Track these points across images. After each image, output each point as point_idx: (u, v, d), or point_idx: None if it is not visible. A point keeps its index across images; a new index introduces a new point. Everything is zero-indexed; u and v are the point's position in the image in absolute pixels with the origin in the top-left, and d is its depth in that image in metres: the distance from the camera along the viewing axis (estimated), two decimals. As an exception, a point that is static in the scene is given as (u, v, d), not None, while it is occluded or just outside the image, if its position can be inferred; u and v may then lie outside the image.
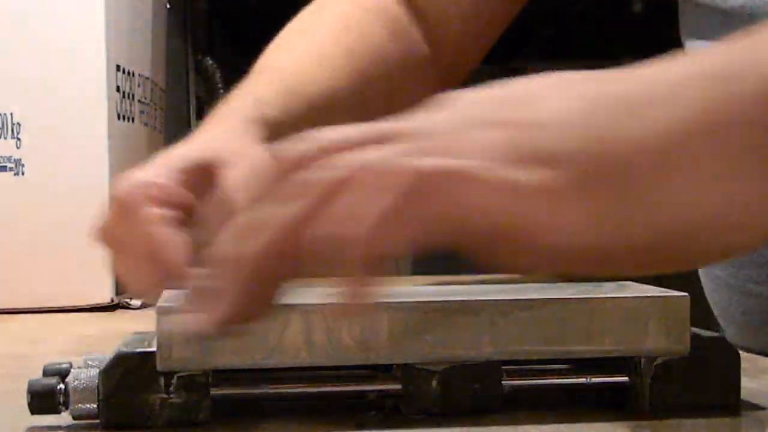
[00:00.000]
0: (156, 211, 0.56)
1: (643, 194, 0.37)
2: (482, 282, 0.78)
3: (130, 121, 1.03)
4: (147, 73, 1.09)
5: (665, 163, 0.37)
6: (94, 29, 0.97)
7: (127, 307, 0.96)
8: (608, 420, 0.46)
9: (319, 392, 0.47)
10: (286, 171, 0.38)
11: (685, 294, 0.47)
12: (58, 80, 0.96)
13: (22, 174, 0.95)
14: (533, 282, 0.51)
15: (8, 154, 0.95)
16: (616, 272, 0.43)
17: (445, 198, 0.36)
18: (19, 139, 0.95)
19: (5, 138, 0.95)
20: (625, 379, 0.47)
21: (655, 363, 0.46)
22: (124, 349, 0.45)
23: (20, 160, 0.95)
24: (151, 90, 1.11)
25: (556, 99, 0.38)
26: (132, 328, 0.50)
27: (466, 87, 0.40)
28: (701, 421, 0.45)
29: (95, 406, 0.44)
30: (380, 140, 0.38)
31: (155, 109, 1.13)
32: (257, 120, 0.65)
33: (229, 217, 0.39)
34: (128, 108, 1.02)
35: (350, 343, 0.45)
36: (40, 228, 0.95)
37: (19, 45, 0.96)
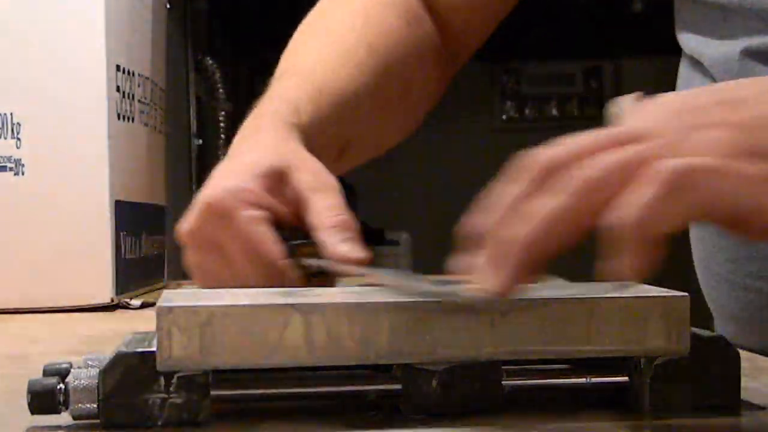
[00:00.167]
0: (254, 212, 0.62)
1: None
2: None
3: (130, 121, 1.03)
4: (147, 73, 1.09)
5: None
6: (94, 29, 0.97)
7: (127, 307, 0.96)
8: (608, 420, 0.46)
9: (319, 392, 0.47)
10: (549, 169, 0.44)
11: (685, 294, 0.47)
12: (58, 80, 0.96)
13: (22, 174, 0.95)
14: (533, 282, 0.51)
15: (8, 154, 0.95)
16: None
17: (697, 188, 0.42)
18: (19, 139, 0.95)
19: (5, 138, 0.95)
20: (625, 379, 0.47)
21: (655, 363, 0.46)
22: (124, 349, 0.44)
23: (20, 160, 0.95)
24: (151, 90, 1.11)
25: (766, 103, 0.45)
26: (132, 328, 0.50)
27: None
28: (701, 421, 0.45)
29: (95, 406, 0.44)
30: (623, 143, 0.44)
31: (155, 109, 1.13)
32: (296, 126, 0.70)
33: None
34: (128, 108, 1.02)
35: (350, 343, 0.44)
36: (40, 228, 0.95)
37: (19, 45, 0.96)
